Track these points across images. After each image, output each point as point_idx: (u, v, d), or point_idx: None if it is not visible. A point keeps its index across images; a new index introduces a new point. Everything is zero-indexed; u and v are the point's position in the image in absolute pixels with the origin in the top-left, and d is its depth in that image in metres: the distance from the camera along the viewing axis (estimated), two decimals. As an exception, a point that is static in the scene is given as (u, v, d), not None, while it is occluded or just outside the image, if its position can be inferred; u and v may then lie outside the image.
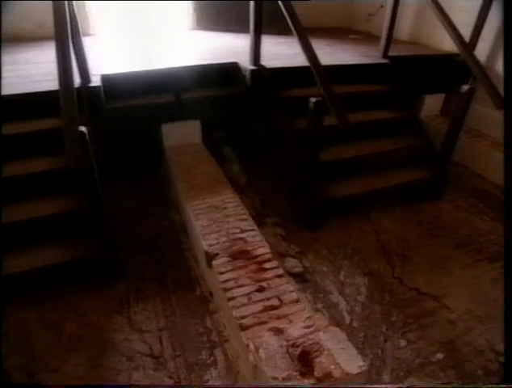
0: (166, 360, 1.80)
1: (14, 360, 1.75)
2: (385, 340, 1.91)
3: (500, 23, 3.45)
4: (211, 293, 2.08)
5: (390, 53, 3.32)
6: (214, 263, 1.89)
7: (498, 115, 3.37)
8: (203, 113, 2.95)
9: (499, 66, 3.56)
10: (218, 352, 1.84)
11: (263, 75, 2.83)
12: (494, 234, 2.69)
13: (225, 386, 1.74)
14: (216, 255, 1.92)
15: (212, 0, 4.27)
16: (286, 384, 1.31)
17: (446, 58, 3.49)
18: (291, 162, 2.64)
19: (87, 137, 1.82)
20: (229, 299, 1.70)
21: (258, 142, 3.29)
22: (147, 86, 2.72)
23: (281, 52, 3.46)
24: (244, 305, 1.67)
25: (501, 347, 1.89)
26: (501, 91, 2.76)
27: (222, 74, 2.95)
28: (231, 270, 1.83)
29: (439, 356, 1.85)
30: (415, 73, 3.33)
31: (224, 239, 2.01)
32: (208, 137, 3.11)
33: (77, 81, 2.34)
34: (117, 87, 2.62)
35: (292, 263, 2.19)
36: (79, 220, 2.13)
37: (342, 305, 2.04)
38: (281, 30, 4.09)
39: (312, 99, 2.18)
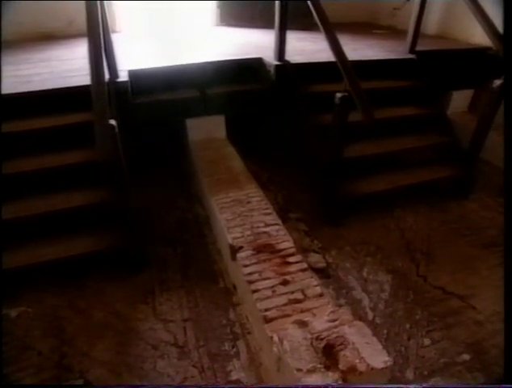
0: (190, 350, 1.84)
1: (48, 342, 1.82)
2: (409, 338, 1.89)
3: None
4: (234, 286, 2.11)
5: (417, 48, 3.26)
6: (238, 256, 1.91)
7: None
8: (227, 108, 2.97)
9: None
10: (241, 344, 1.86)
11: (288, 70, 2.83)
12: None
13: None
14: (241, 248, 1.95)
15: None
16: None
17: (477, 52, 3.40)
18: (315, 158, 2.64)
19: (116, 130, 1.87)
20: (254, 291, 1.72)
21: (282, 138, 3.30)
22: (172, 81, 2.77)
23: (305, 47, 3.45)
24: (268, 297, 1.68)
25: (530, 349, 1.85)
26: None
27: (246, 70, 2.96)
28: (255, 263, 1.85)
29: (465, 357, 1.82)
30: (443, 69, 3.25)
31: (248, 233, 2.03)
32: (233, 133, 3.13)
33: (106, 76, 2.42)
34: (143, 82, 2.68)
35: (315, 259, 2.19)
36: (107, 211, 2.20)
37: (365, 301, 2.03)
38: (304, 25, 4.08)
39: (339, 95, 2.17)
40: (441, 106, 3.38)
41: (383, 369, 1.36)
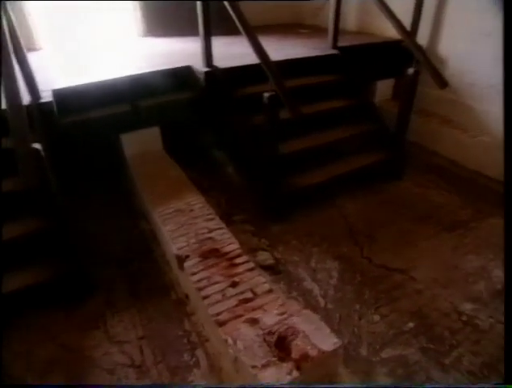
0: (148, 368, 1.80)
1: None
2: (360, 318, 1.98)
3: (436, 9, 3.66)
4: (187, 296, 2.09)
5: (339, 44, 3.43)
6: (186, 265, 1.90)
7: (444, 95, 3.60)
8: (160, 120, 2.94)
9: (440, 49, 3.77)
10: (200, 353, 1.85)
11: (217, 76, 2.86)
12: (451, 205, 2.85)
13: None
14: (187, 256, 1.94)
15: (162, 1, 4.24)
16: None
17: (392, 44, 3.64)
18: (252, 158, 2.69)
19: (42, 154, 1.78)
20: (204, 298, 1.72)
21: (219, 143, 3.32)
22: (102, 97, 2.69)
23: (233, 51, 3.49)
24: (219, 301, 1.69)
25: (463, 307, 2.03)
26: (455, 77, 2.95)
27: (177, 79, 2.95)
28: (203, 269, 1.85)
29: (411, 324, 1.95)
30: (364, 61, 3.45)
31: (193, 241, 2.03)
32: (170, 143, 3.10)
33: (27, 98, 2.30)
34: (70, 101, 2.58)
35: (264, 257, 2.23)
36: (46, 240, 2.08)
37: (316, 290, 2.10)
38: (232, 30, 4.13)
39: (266, 94, 2.23)
40: (367, 95, 3.59)
41: (333, 350, 1.43)
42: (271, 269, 2.18)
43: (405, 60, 3.14)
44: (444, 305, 2.05)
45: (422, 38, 3.81)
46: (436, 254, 2.39)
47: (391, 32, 3.79)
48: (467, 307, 2.05)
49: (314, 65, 3.22)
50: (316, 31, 4.58)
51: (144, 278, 2.27)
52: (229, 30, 3.96)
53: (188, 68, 2.99)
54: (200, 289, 1.76)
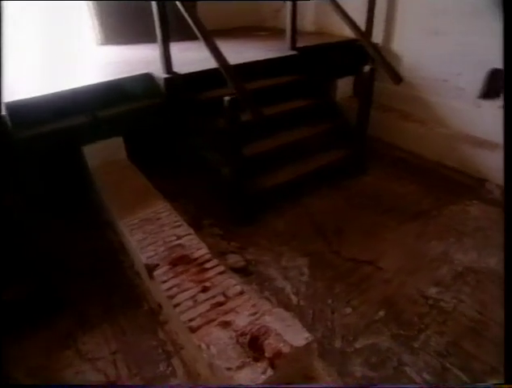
0: (124, 382, 1.76)
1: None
2: (332, 312, 2.02)
3: (388, 9, 3.81)
4: (159, 305, 2.06)
5: (298, 45, 3.50)
6: (155, 273, 1.88)
7: (402, 90, 3.75)
8: (122, 129, 2.89)
9: (394, 47, 3.92)
10: (175, 361, 1.83)
11: (178, 82, 2.84)
12: (413, 196, 2.97)
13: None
14: (157, 265, 1.91)
15: (119, 8, 4.16)
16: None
17: (349, 44, 3.75)
18: (218, 162, 2.69)
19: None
20: (175, 305, 1.70)
21: (185, 148, 3.29)
22: (61, 108, 2.61)
23: (193, 56, 3.48)
24: (190, 308, 1.68)
25: (429, 292, 2.12)
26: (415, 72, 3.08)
27: (137, 87, 2.91)
28: (173, 277, 1.83)
29: (381, 313, 2.01)
30: (323, 60, 3.54)
31: (162, 249, 2.00)
32: (135, 152, 3.05)
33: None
34: (26, 114, 2.49)
35: (234, 259, 2.24)
36: (9, 262, 2.00)
37: (288, 288, 2.13)
38: (192, 35, 4.13)
39: (227, 98, 2.24)
40: (328, 94, 3.68)
41: (305, 345, 1.46)
42: (242, 271, 2.19)
43: (362, 58, 3.25)
44: (411, 291, 2.13)
45: (378, 37, 3.96)
46: (401, 243, 2.49)
47: (348, 32, 3.91)
48: (433, 291, 2.14)
49: (274, 67, 3.27)
50: (275, 32, 4.63)
51: (114, 291, 2.23)
52: (189, 35, 3.96)
53: (148, 75, 2.96)
54: (171, 297, 1.74)
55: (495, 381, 1.70)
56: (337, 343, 1.88)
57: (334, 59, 3.65)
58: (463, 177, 3.29)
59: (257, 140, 2.72)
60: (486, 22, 3.21)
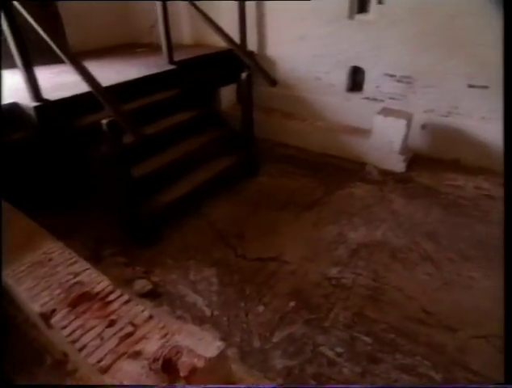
0: None
1: None
2: (246, 314, 2.08)
3: (258, 18, 4.07)
4: (65, 354, 1.89)
5: (176, 58, 3.51)
6: (53, 321, 1.72)
7: (281, 91, 4.03)
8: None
9: (268, 52, 4.20)
10: (92, 408, 1.70)
11: (50, 109, 2.63)
12: (305, 188, 3.22)
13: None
14: (53, 311, 1.75)
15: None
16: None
17: (226, 53, 3.89)
18: (109, 188, 2.57)
19: None
20: (81, 349, 1.58)
21: (73, 181, 3.07)
22: None
23: (69, 80, 3.25)
24: (98, 347, 1.58)
25: (330, 273, 2.30)
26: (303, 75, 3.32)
27: (4, 119, 2.62)
28: (74, 319, 1.70)
29: (292, 304, 2.13)
30: (202, 72, 3.62)
31: (58, 292, 1.84)
32: (11, 191, 2.74)
33: None
34: None
35: (141, 284, 2.16)
36: None
37: (200, 301, 2.13)
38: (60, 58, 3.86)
39: (105, 121, 2.15)
40: (213, 104, 3.78)
41: (219, 354, 1.47)
42: (151, 295, 2.13)
43: (240, 66, 3.40)
44: (315, 276, 2.30)
45: (253, 44, 4.19)
46: (301, 233, 2.67)
47: (223, 43, 4.07)
48: (334, 271, 2.34)
49: (155, 83, 3.23)
50: (153, 48, 4.58)
51: (9, 353, 1.98)
52: (57, 58, 3.71)
53: (15, 105, 2.68)
54: (75, 341, 1.61)
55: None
56: (256, 343, 1.94)
57: (214, 69, 3.76)
58: (346, 163, 3.66)
59: (146, 159, 2.66)
60: (340, 27, 3.65)
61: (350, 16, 3.63)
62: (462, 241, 2.61)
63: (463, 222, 2.80)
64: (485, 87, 3.31)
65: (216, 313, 2.07)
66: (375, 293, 2.20)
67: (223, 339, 1.92)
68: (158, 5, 3.16)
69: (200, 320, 2.01)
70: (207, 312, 2.07)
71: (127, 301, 1.77)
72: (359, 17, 3.64)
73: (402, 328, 1.98)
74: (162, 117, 2.95)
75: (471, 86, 3.36)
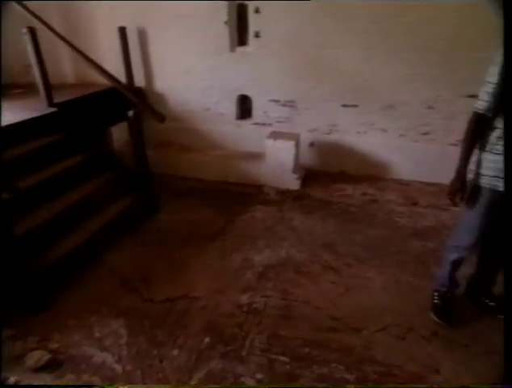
0: None
1: None
2: (161, 361, 1.97)
3: (142, 54, 4.05)
4: None
5: (57, 100, 3.28)
6: None
7: (174, 125, 4.05)
8: None
9: (157, 87, 4.20)
10: None
11: None
12: (207, 219, 3.25)
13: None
14: None
15: None
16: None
17: (112, 91, 3.76)
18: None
19: None
20: None
21: None
22: None
23: None
24: None
25: (241, 300, 2.33)
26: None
27: None
28: None
29: (207, 340, 2.08)
30: (87, 112, 3.44)
31: None
32: None
33: None
34: None
35: (35, 357, 1.89)
36: None
37: (109, 359, 1.97)
38: None
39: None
40: (104, 144, 3.61)
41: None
42: (50, 366, 1.89)
43: (128, 103, 3.31)
44: (227, 307, 2.30)
45: (141, 80, 4.15)
46: (207, 266, 2.67)
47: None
48: (244, 298, 2.37)
49: (35, 128, 2.96)
50: (31, 89, 4.23)
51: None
52: None
53: None
54: None
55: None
56: (174, 387, 1.86)
57: (100, 109, 3.61)
58: (245, 188, 3.80)
59: (31, 212, 2.41)
60: (224, 59, 3.84)
61: (232, 49, 3.84)
62: (356, 245, 2.88)
63: (354, 228, 3.10)
64: (355, 106, 3.76)
65: (127, 368, 1.92)
66: (285, 312, 2.28)
67: (138, 394, 1.79)
68: (28, 43, 2.93)
69: (111, 380, 1.85)
70: (118, 369, 1.91)
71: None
72: (240, 49, 3.87)
73: (315, 340, 2.08)
74: (47, 165, 2.72)
75: (344, 105, 3.78)
